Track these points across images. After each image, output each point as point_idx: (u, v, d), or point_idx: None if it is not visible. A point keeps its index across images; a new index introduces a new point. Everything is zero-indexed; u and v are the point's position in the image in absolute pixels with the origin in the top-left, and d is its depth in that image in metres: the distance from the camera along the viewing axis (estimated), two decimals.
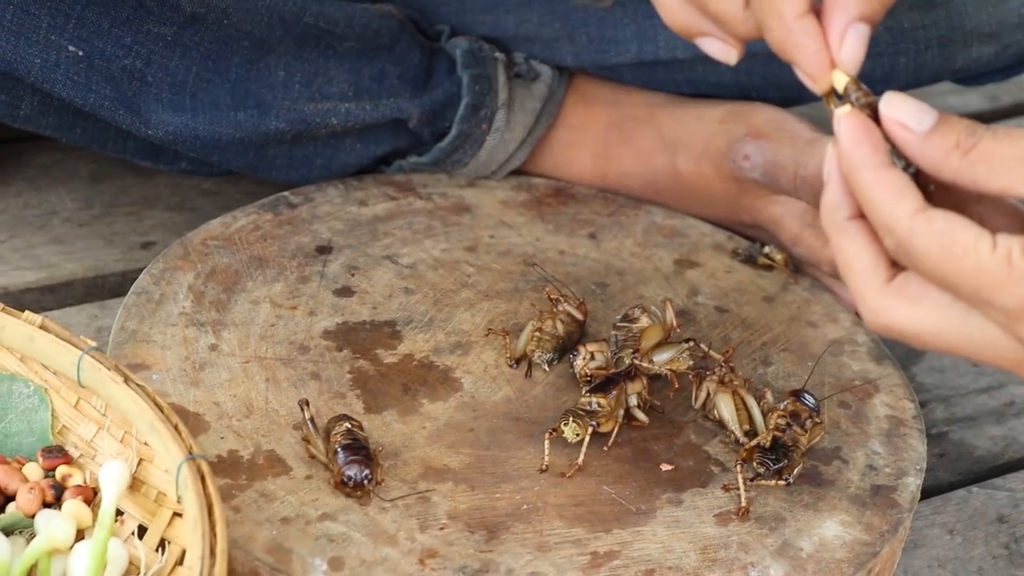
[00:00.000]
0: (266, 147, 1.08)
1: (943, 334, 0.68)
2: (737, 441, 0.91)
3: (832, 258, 1.03)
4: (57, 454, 0.81)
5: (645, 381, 0.92)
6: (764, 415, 0.91)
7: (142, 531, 0.78)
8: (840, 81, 0.71)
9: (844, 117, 0.69)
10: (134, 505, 0.78)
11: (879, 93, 0.70)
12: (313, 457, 0.86)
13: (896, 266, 0.69)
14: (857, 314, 1.06)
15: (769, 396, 0.93)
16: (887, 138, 0.69)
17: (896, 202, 0.67)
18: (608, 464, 0.89)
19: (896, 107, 0.68)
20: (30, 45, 0.98)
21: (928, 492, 1.02)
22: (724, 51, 0.79)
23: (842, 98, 0.71)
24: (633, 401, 0.91)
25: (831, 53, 0.71)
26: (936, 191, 0.69)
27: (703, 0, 0.76)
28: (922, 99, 0.70)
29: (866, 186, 0.68)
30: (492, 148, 1.13)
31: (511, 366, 0.96)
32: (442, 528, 0.83)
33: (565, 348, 0.96)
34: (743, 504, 0.86)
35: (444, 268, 1.04)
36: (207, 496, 0.72)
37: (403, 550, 0.81)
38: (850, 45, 0.71)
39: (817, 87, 0.72)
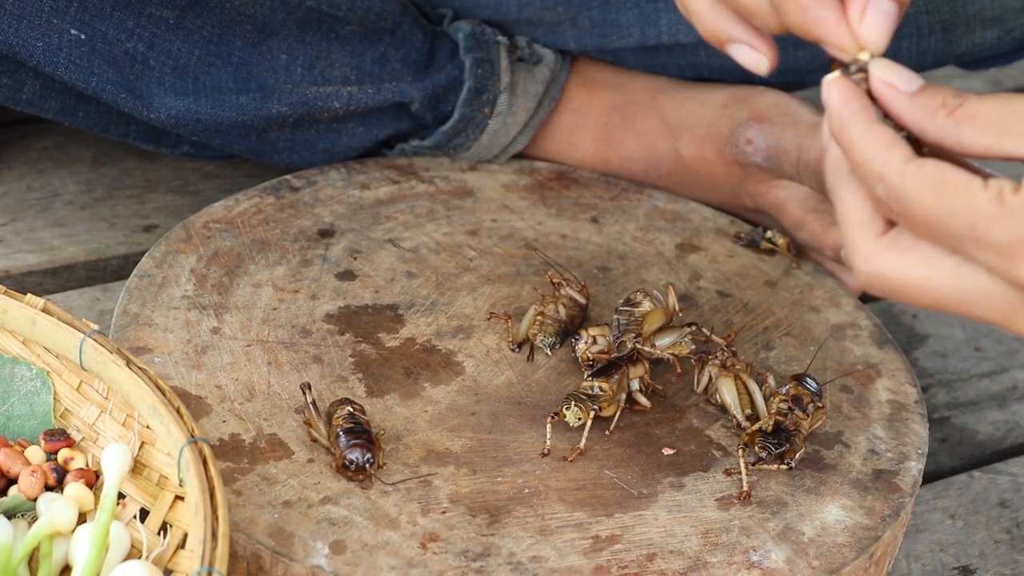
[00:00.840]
0: (268, 130, 1.08)
1: (933, 285, 0.68)
2: (739, 425, 0.91)
3: (835, 242, 1.04)
4: (59, 437, 0.81)
5: (647, 365, 0.92)
6: (766, 399, 0.91)
7: (144, 514, 0.78)
8: (865, 57, 0.71)
9: (832, 82, 0.70)
10: (136, 488, 0.78)
11: None
12: (315, 441, 0.86)
13: (891, 224, 0.69)
14: (861, 298, 1.06)
15: (771, 380, 0.93)
16: (879, 107, 0.69)
17: (888, 151, 0.67)
18: (610, 448, 0.89)
19: (885, 69, 0.69)
20: (32, 28, 0.98)
21: (930, 477, 1.02)
22: (755, 59, 0.78)
23: (856, 72, 0.71)
24: (635, 385, 0.91)
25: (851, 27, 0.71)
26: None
27: None
28: None
29: (857, 138, 0.68)
30: (494, 132, 1.13)
31: (513, 350, 0.96)
32: (444, 512, 0.83)
33: (567, 332, 0.96)
34: (745, 488, 0.86)
35: (446, 252, 1.04)
36: (209, 479, 0.72)
37: (405, 534, 0.81)
38: (870, 20, 0.71)
39: (847, 58, 0.71)
